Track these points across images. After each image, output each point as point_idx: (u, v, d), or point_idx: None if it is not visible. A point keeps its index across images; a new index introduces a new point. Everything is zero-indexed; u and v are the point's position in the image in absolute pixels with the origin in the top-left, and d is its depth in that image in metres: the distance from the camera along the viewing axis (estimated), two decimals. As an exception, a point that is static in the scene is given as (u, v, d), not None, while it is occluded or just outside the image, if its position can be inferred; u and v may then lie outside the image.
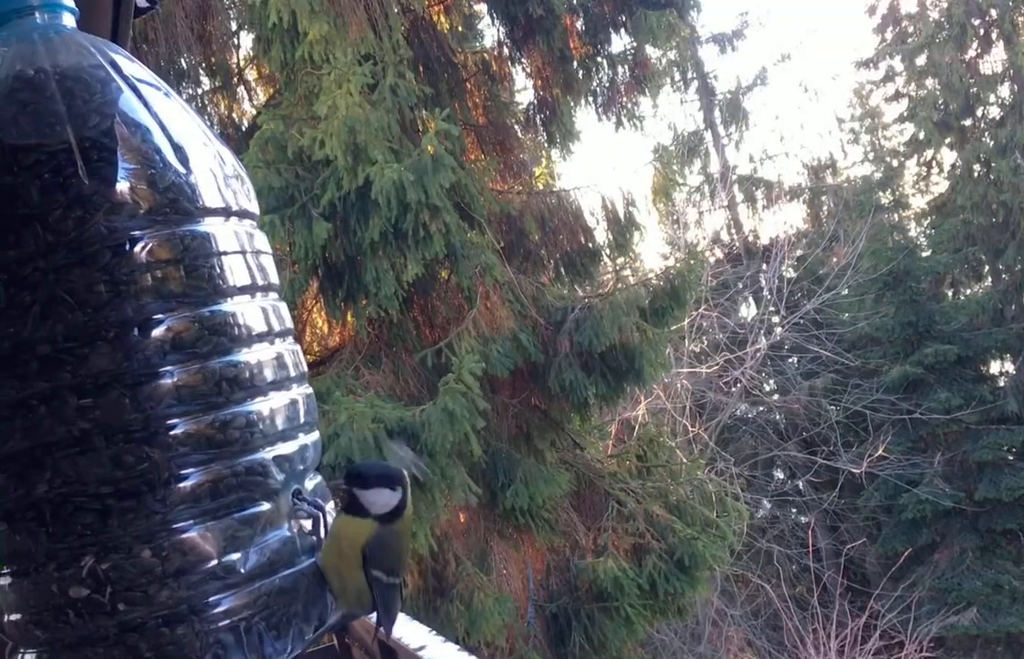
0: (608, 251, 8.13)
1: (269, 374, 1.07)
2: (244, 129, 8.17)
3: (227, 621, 0.99)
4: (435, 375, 6.63)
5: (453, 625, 6.64)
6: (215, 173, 1.08)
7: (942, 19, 18.31)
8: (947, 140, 18.77)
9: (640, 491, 7.95)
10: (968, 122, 18.46)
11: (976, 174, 18.05)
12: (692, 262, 8.45)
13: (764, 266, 17.00)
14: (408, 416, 6.24)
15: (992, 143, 17.87)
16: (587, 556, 7.60)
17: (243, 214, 1.12)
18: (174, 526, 0.97)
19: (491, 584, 7.05)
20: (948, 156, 19.27)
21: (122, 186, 0.99)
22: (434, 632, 2.79)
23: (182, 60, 7.98)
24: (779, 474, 16.86)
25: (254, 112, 8.28)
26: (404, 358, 7.23)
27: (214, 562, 0.98)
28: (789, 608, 12.38)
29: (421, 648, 2.63)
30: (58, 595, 0.96)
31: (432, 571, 7.04)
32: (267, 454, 1.05)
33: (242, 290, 1.07)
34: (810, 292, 16.31)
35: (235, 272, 1.07)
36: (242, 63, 8.56)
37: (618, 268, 8.49)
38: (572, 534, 7.76)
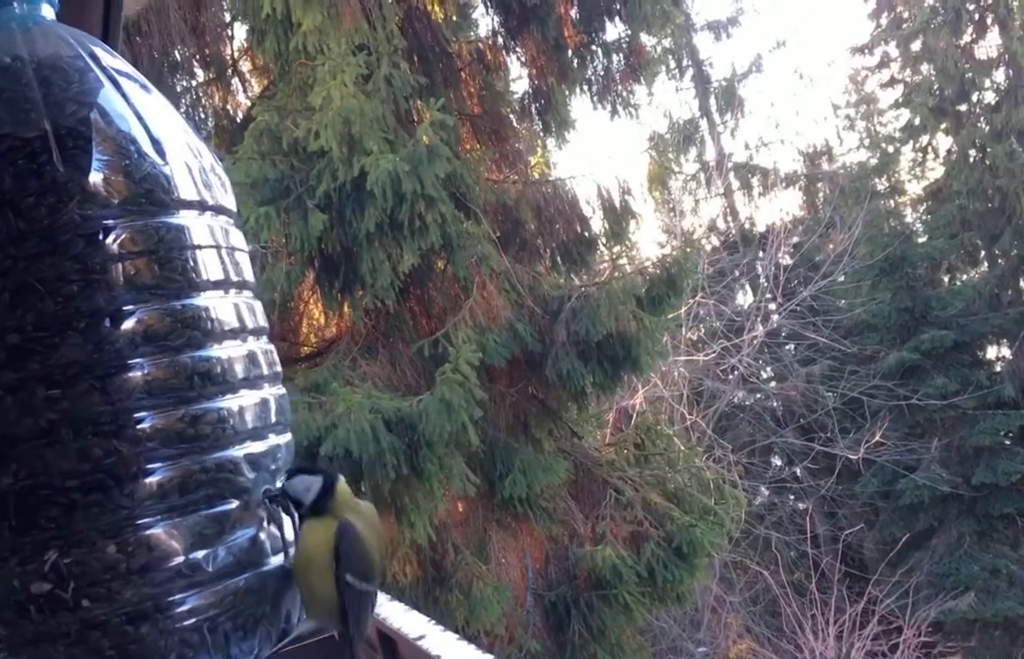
0: (604, 240, 8.13)
1: (240, 371, 1.06)
2: (239, 121, 8.16)
3: (192, 620, 0.97)
4: (432, 365, 6.62)
5: (452, 614, 6.66)
6: (191, 167, 1.08)
7: (937, 4, 18.27)
8: (943, 126, 18.75)
9: (638, 479, 7.95)
10: (963, 107, 18.44)
11: (972, 159, 18.03)
12: (688, 250, 8.47)
13: (761, 253, 16.99)
14: (405, 407, 6.24)
15: (987, 128, 17.86)
16: (585, 544, 7.61)
17: (219, 209, 1.11)
18: (140, 521, 0.95)
19: (490, 573, 7.07)
20: (944, 142, 19.26)
21: (97, 175, 0.98)
22: (433, 621, 2.79)
23: (176, 52, 7.98)
24: (777, 461, 16.88)
25: (248, 104, 8.26)
26: (401, 349, 7.23)
27: (180, 559, 0.97)
28: (787, 594, 12.40)
29: (420, 637, 2.63)
30: (19, 590, 0.94)
31: (431, 561, 7.05)
32: (238, 452, 1.04)
33: (215, 285, 1.06)
34: (807, 279, 16.30)
35: (209, 267, 1.06)
36: (236, 55, 8.56)
37: (614, 257, 8.48)
38: (570, 522, 7.77)
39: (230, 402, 1.04)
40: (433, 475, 6.29)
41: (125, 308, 0.97)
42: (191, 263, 1.03)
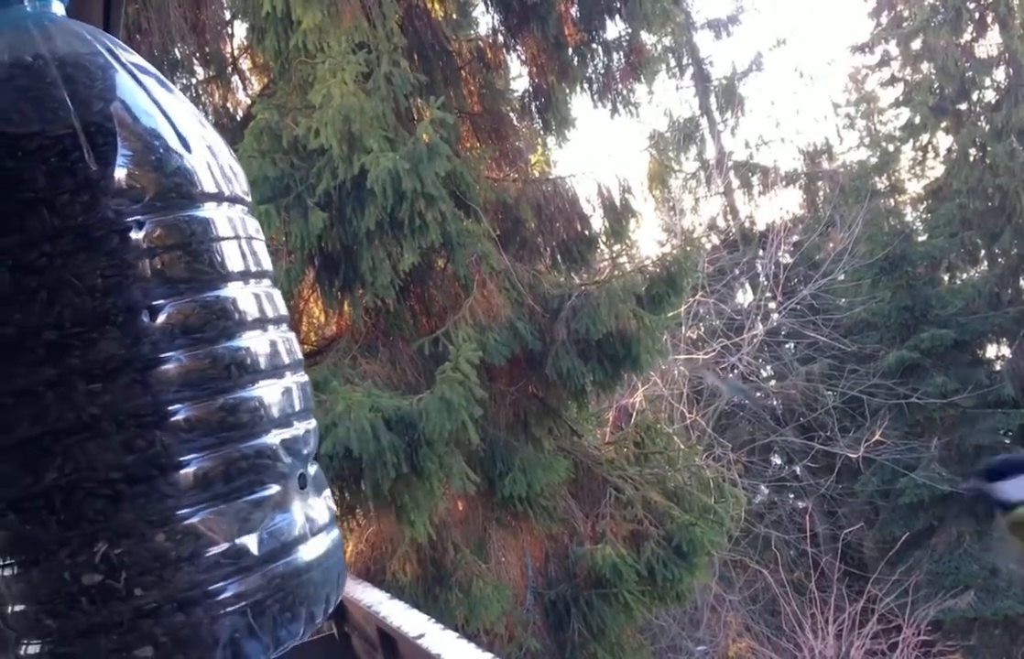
0: (604, 238, 8.14)
1: (263, 361, 1.08)
2: (239, 119, 8.16)
3: (241, 604, 0.99)
4: (432, 364, 6.63)
5: (452, 613, 6.66)
6: (209, 159, 1.09)
7: (937, 3, 18.30)
8: (943, 124, 18.79)
9: (638, 478, 7.96)
10: (964, 106, 18.48)
11: (972, 158, 18.06)
12: (688, 249, 8.49)
13: (760, 252, 17.01)
14: (405, 405, 6.25)
15: (988, 127, 17.89)
16: (585, 543, 7.61)
17: (235, 199, 1.12)
18: (187, 510, 0.97)
19: (490, 572, 7.07)
20: (944, 140, 19.31)
21: (128, 170, 0.99)
22: (433, 620, 2.80)
23: (176, 50, 7.97)
24: (776, 460, 16.91)
25: (248, 101, 8.26)
26: (401, 347, 7.23)
27: (227, 545, 0.99)
28: (787, 593, 12.43)
29: (420, 636, 2.64)
30: (71, 582, 0.95)
31: (431, 559, 7.05)
32: (274, 438, 1.06)
33: (239, 276, 1.08)
34: (806, 278, 16.33)
35: (232, 258, 1.07)
36: (236, 52, 8.56)
37: (614, 255, 8.49)
38: (570, 521, 7.77)
39: (262, 390, 1.06)
40: (433, 474, 6.29)
41: (161, 302, 0.98)
42: (218, 256, 1.05)
